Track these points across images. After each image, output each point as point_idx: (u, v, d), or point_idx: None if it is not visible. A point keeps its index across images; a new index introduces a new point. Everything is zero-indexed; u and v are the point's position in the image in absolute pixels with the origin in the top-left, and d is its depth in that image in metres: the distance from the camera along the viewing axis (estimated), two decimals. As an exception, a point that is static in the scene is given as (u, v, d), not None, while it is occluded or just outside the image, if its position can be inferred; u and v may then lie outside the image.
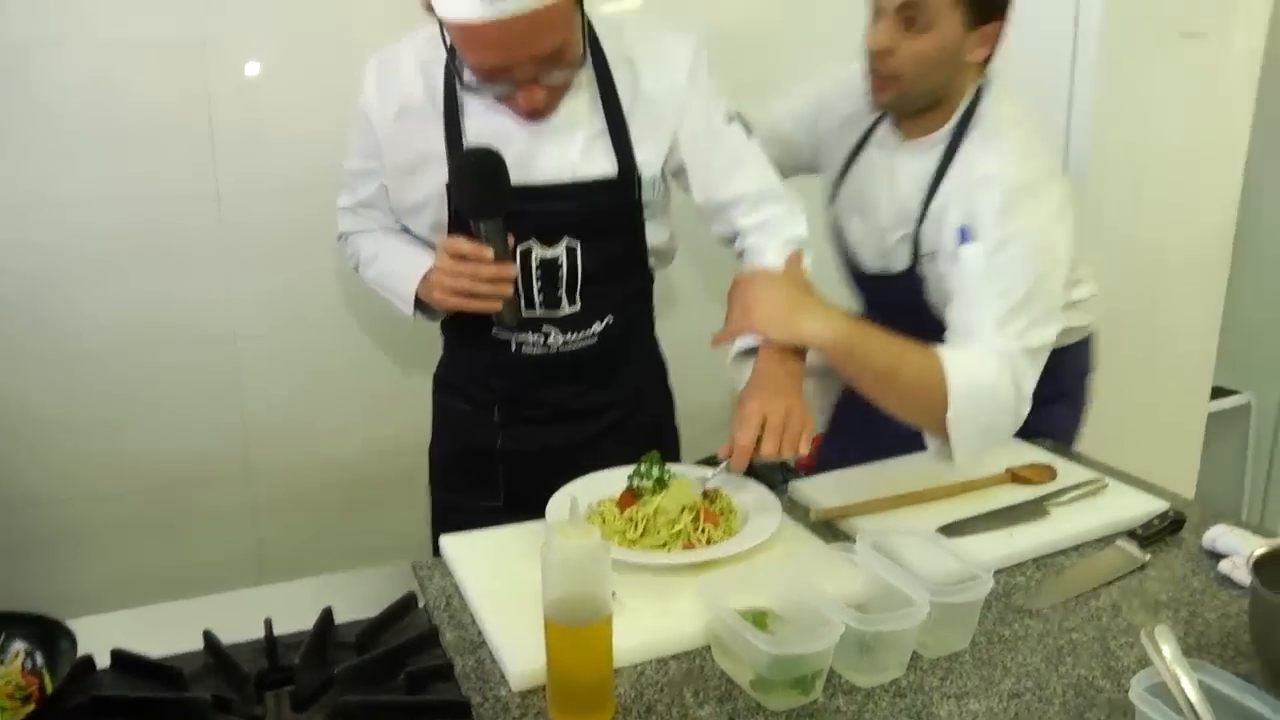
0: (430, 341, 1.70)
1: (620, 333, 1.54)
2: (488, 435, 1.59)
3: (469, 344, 1.58)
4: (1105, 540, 1.35)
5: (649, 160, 1.44)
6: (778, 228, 1.48)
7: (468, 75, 1.33)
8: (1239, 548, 1.26)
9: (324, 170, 1.86)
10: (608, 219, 1.44)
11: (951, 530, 1.33)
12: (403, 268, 1.50)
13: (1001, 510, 1.40)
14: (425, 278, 1.44)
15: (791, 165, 1.72)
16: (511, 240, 1.35)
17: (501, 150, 1.30)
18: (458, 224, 1.41)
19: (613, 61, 1.41)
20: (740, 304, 1.33)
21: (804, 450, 1.28)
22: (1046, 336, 1.35)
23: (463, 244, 1.33)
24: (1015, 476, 1.52)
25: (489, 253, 1.31)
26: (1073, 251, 1.43)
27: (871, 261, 1.66)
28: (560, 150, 1.39)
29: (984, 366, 1.30)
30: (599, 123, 1.41)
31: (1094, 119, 2.19)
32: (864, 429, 1.61)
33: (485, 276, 1.32)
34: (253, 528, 2.35)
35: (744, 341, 1.41)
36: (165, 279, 2.15)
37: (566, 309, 1.47)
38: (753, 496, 1.35)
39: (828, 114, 1.72)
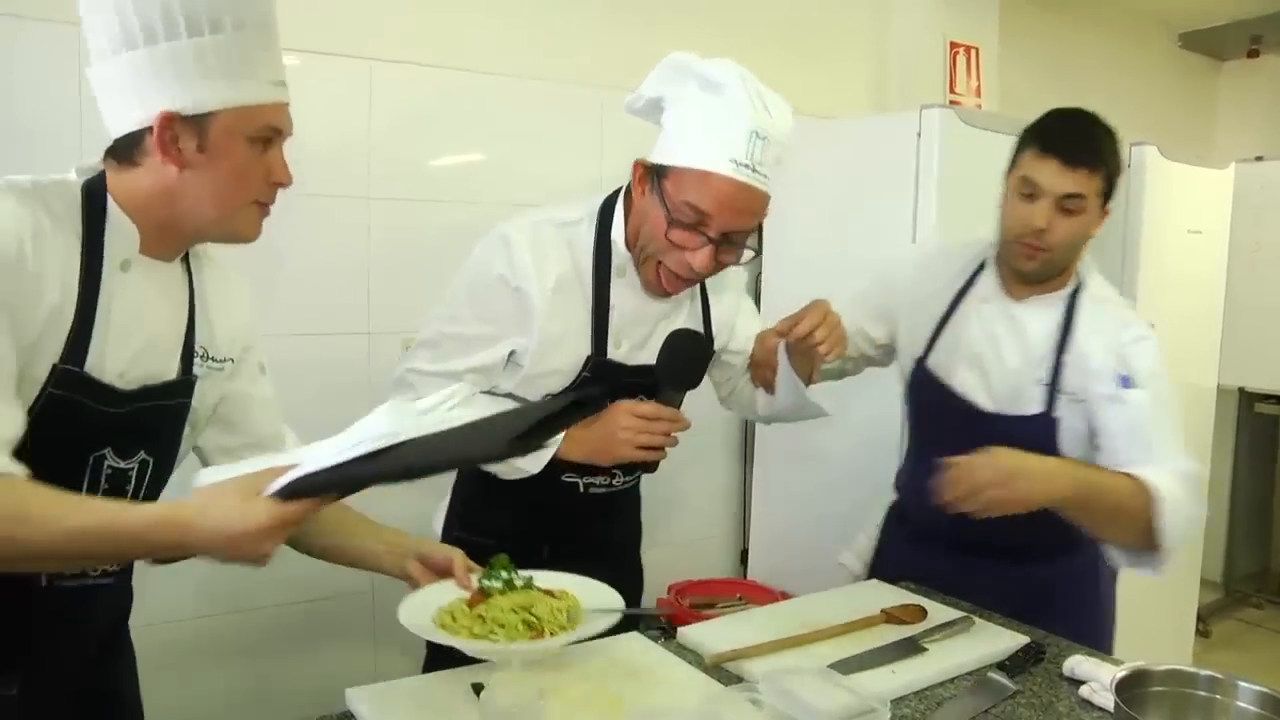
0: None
1: (643, 474, 1.80)
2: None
3: (525, 486, 1.64)
4: (977, 673, 1.45)
5: (718, 333, 1.78)
6: None
7: (620, 254, 1.60)
8: (1096, 674, 1.38)
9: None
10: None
11: (839, 668, 1.39)
12: None
13: (882, 648, 1.48)
14: (568, 435, 1.59)
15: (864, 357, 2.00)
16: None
17: (633, 328, 1.63)
18: (579, 388, 1.63)
19: None
20: (964, 483, 1.47)
21: (837, 352, 1.58)
22: None
23: (649, 407, 1.58)
24: (890, 617, 1.61)
25: (682, 415, 1.59)
26: None
27: (993, 403, 1.79)
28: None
29: (1178, 483, 1.57)
30: (696, 308, 1.74)
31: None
32: (916, 540, 1.90)
33: (676, 432, 1.57)
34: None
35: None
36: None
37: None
38: (597, 597, 1.39)
39: (913, 290, 1.93)
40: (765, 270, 3.24)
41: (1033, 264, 1.73)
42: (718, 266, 1.56)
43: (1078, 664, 1.43)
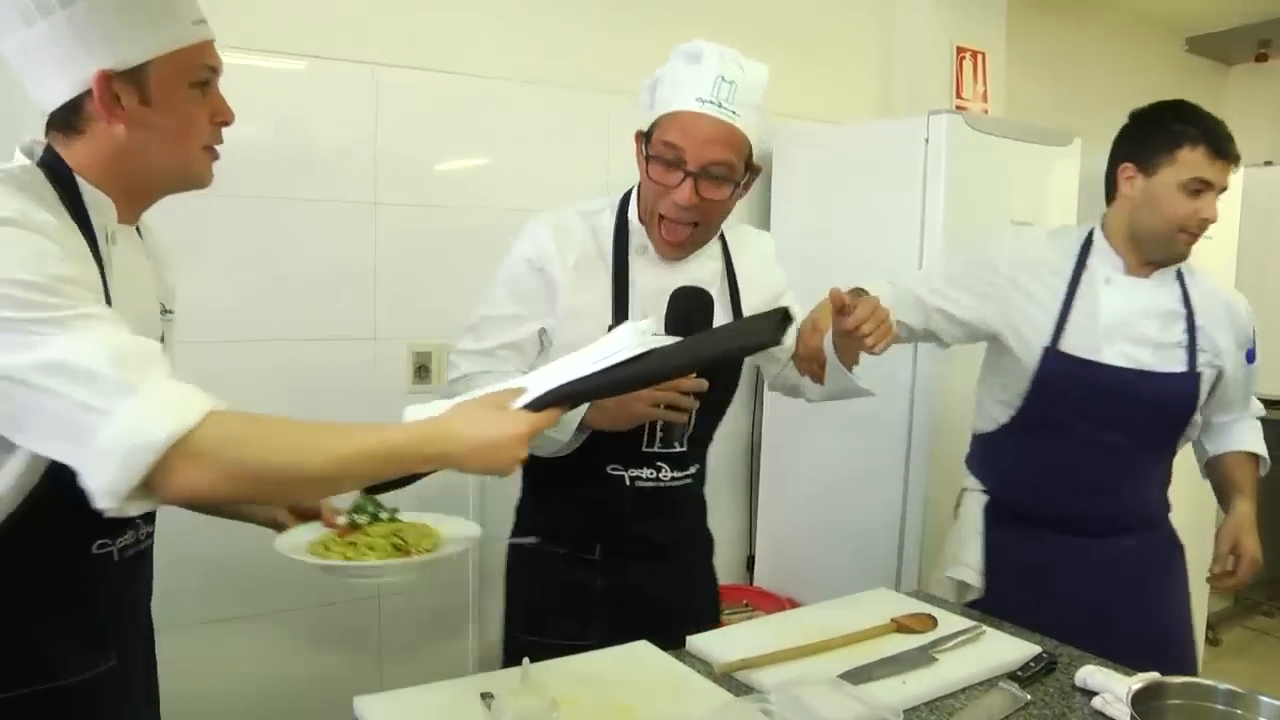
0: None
1: (702, 474, 1.85)
2: (587, 574, 1.74)
3: (574, 480, 1.72)
4: (989, 683, 1.43)
5: None
6: None
7: (636, 233, 1.71)
8: (1109, 685, 1.36)
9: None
10: (718, 371, 1.72)
11: (850, 678, 1.38)
12: None
13: (893, 658, 1.47)
14: (593, 404, 1.58)
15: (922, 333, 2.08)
16: None
17: (656, 302, 1.67)
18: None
19: (730, 244, 1.80)
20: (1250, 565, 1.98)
21: (882, 345, 1.61)
22: None
23: None
24: (900, 626, 1.60)
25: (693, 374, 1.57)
26: None
27: (1145, 365, 1.93)
28: None
29: (1256, 426, 2.15)
30: (725, 288, 1.76)
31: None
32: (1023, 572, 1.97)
33: (688, 390, 1.57)
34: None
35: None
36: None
37: (676, 447, 1.74)
38: (458, 529, 1.50)
39: (1020, 283, 1.99)
40: (772, 275, 3.23)
41: (1189, 249, 1.93)
42: (706, 204, 1.61)
43: (1090, 674, 1.41)
